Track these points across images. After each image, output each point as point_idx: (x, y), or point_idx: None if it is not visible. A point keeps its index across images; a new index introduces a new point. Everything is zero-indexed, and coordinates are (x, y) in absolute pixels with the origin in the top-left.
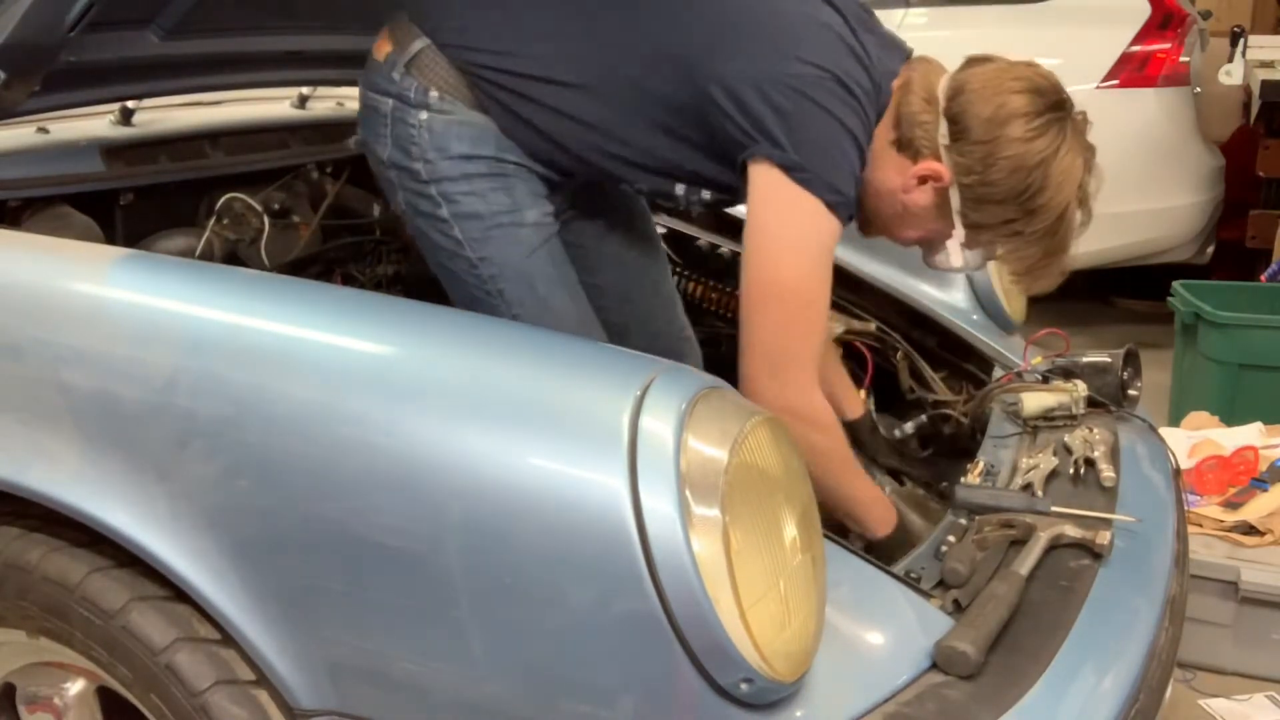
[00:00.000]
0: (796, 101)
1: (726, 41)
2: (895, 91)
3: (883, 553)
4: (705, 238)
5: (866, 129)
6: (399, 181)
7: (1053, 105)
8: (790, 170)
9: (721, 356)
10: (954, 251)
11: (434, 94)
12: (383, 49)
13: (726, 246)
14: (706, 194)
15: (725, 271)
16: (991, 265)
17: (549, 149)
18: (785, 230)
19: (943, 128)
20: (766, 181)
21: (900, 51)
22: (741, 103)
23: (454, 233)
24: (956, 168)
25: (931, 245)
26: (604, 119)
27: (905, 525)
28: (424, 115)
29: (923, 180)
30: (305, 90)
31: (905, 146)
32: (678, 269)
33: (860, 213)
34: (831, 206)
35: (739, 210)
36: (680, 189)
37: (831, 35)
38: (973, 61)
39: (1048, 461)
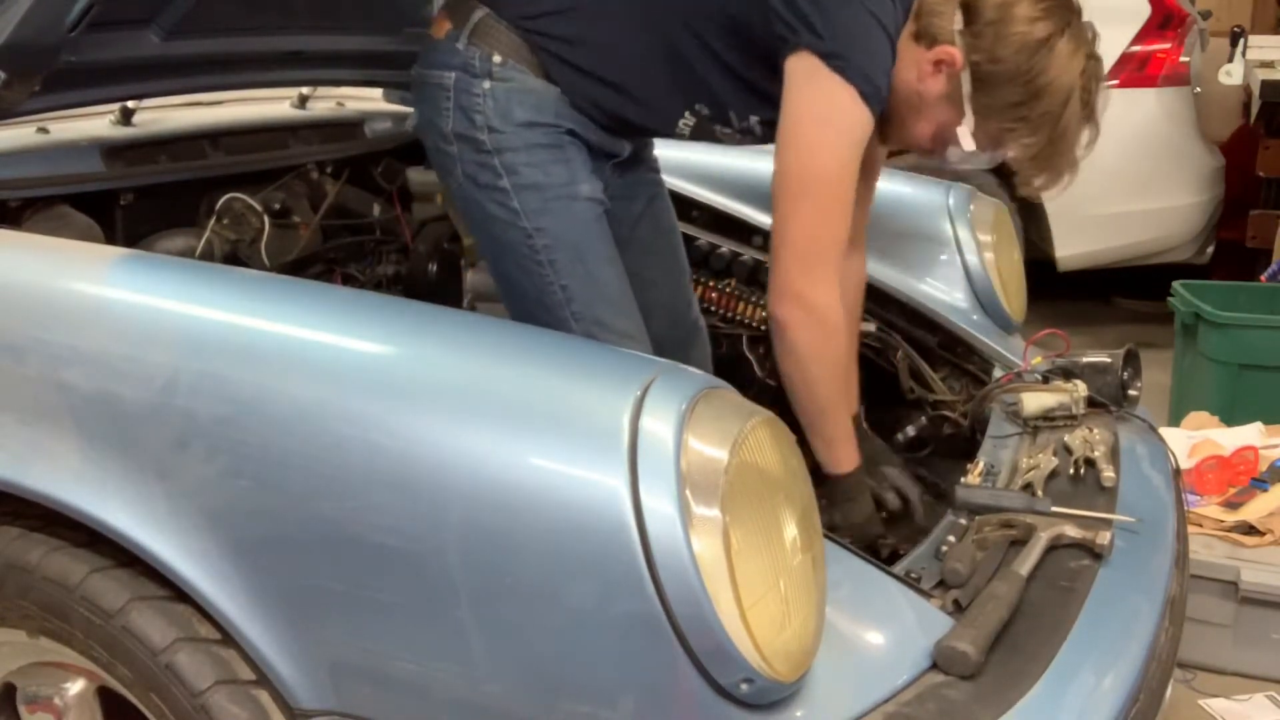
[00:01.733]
0: None
1: None
2: None
3: (841, 491)
4: (705, 238)
5: (896, 26)
6: (460, 154)
7: (1060, 2)
8: (827, 59)
9: (720, 356)
10: (965, 137)
11: (496, 59)
12: (442, 27)
13: (727, 247)
14: (755, 119)
15: (725, 272)
16: (990, 264)
17: (608, 97)
18: (821, 119)
19: (957, 15)
20: (804, 71)
21: None
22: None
23: (512, 203)
24: (967, 48)
25: (944, 137)
26: (661, 48)
27: (866, 478)
28: (487, 84)
29: (937, 66)
30: (305, 90)
31: (923, 36)
32: None
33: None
34: (865, 97)
35: (734, 209)
36: (733, 114)
37: None
38: None
39: (1048, 461)
